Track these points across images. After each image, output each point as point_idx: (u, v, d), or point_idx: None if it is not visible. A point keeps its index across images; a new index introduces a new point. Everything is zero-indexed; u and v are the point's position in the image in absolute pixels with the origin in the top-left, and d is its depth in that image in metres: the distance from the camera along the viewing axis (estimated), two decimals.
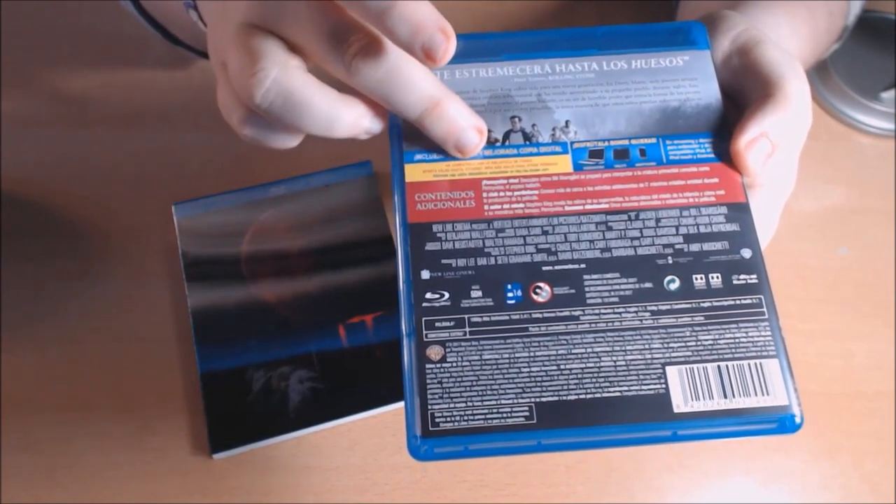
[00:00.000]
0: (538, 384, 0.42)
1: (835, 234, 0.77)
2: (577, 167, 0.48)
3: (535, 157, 0.48)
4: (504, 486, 0.66)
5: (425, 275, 0.44)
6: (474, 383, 0.42)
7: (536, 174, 0.47)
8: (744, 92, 0.51)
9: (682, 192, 0.47)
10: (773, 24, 0.57)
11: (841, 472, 0.67)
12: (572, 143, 0.49)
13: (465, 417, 0.41)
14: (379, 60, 0.43)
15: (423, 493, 0.66)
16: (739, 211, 0.47)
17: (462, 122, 0.46)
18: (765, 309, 0.44)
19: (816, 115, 0.82)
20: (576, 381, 0.42)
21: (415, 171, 0.47)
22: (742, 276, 0.45)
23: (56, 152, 0.78)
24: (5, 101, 0.80)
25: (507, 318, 0.43)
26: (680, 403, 0.42)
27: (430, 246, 0.45)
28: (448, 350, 0.43)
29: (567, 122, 0.49)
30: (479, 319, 0.43)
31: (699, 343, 0.43)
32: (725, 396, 0.42)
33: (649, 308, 0.44)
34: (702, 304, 0.44)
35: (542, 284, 0.44)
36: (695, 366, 0.43)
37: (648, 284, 0.44)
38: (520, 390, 0.42)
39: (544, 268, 0.45)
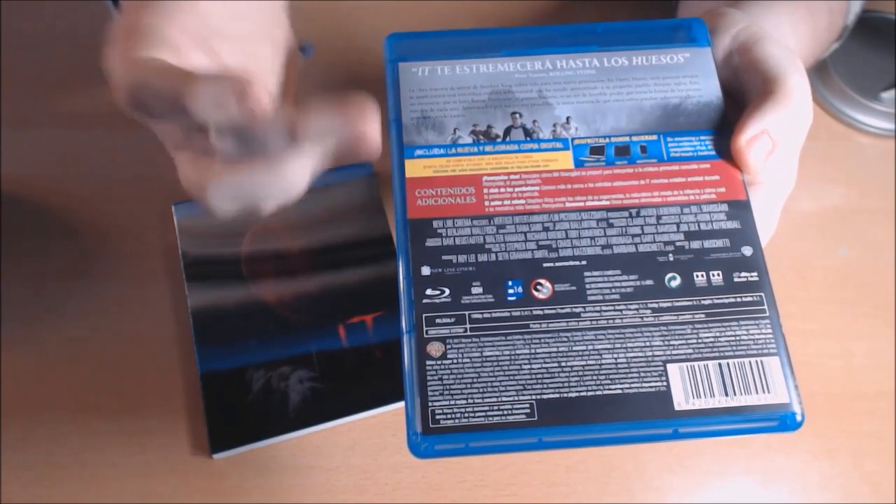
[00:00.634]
0: (539, 381, 0.42)
1: (835, 234, 0.77)
2: (578, 163, 0.48)
3: (536, 154, 0.48)
4: (504, 486, 0.66)
5: (426, 271, 0.44)
6: (475, 380, 0.42)
7: (537, 170, 0.47)
8: (744, 89, 0.51)
9: (682, 189, 0.47)
10: (773, 22, 0.57)
11: (841, 472, 0.67)
12: (573, 139, 0.49)
13: (466, 414, 0.41)
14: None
15: (424, 493, 0.65)
16: (740, 208, 0.47)
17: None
18: (765, 306, 0.44)
19: (816, 115, 0.82)
20: (577, 379, 0.42)
21: (415, 167, 0.47)
22: (743, 274, 0.45)
23: (56, 152, 0.78)
24: (5, 102, 0.80)
25: (507, 314, 0.43)
26: (681, 401, 0.42)
27: (430, 242, 0.45)
28: (448, 347, 0.42)
29: (568, 118, 0.49)
30: (479, 316, 0.43)
31: (700, 340, 0.43)
32: (726, 394, 0.42)
33: (650, 305, 0.44)
34: (703, 302, 0.44)
35: (542, 281, 0.44)
36: (696, 363, 0.43)
37: (649, 281, 0.44)
38: (521, 387, 0.42)
39: (545, 264, 0.45)
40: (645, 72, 0.51)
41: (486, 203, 0.46)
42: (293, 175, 0.41)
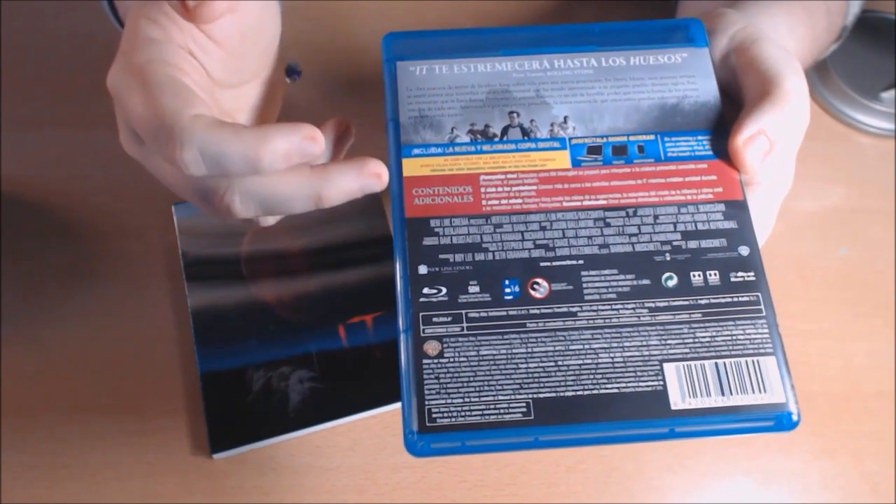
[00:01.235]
0: (535, 380, 0.42)
1: (835, 234, 0.77)
2: (576, 163, 0.48)
3: (534, 153, 0.48)
4: (504, 486, 0.66)
5: (422, 270, 0.44)
6: (471, 379, 0.42)
7: (534, 170, 0.48)
8: (742, 89, 0.51)
9: (679, 189, 0.47)
10: (770, 23, 0.57)
11: (841, 472, 0.67)
12: (571, 138, 0.49)
13: (462, 413, 0.41)
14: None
15: (423, 493, 0.65)
16: (737, 208, 0.47)
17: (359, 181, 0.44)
18: (762, 306, 0.44)
19: (816, 115, 0.82)
20: (573, 378, 0.42)
21: (412, 166, 0.48)
22: (740, 274, 0.45)
23: (56, 153, 0.78)
24: (5, 102, 0.80)
25: (504, 313, 0.43)
26: (677, 400, 0.42)
27: (427, 241, 0.45)
28: (445, 345, 0.43)
29: (565, 117, 0.49)
30: (476, 315, 0.43)
31: (697, 340, 0.43)
32: (723, 393, 0.42)
33: (647, 305, 0.44)
34: (699, 301, 0.44)
35: (539, 280, 0.44)
36: (692, 363, 0.43)
37: (646, 281, 0.44)
38: (517, 386, 0.42)
39: (542, 264, 0.45)
40: (643, 72, 0.51)
41: (484, 202, 0.46)
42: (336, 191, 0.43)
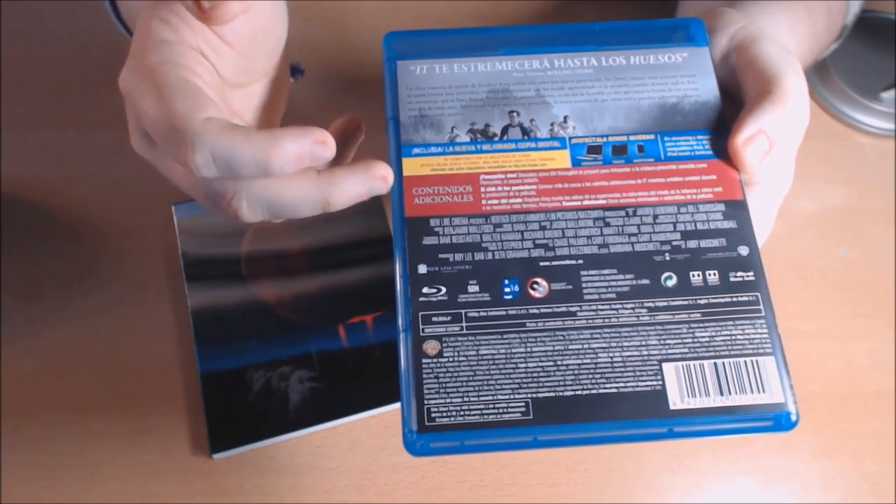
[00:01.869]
0: (535, 380, 0.42)
1: (835, 234, 0.77)
2: (576, 163, 0.48)
3: (534, 152, 0.48)
4: (504, 486, 0.66)
5: (422, 269, 0.44)
6: (471, 378, 0.42)
7: (534, 169, 0.48)
8: (742, 89, 0.51)
9: (679, 188, 0.47)
10: (771, 22, 0.57)
11: (841, 472, 0.67)
12: (571, 138, 0.49)
13: (462, 412, 0.41)
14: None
15: (423, 493, 0.65)
16: (737, 208, 0.47)
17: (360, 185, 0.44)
18: (761, 306, 0.44)
19: (816, 115, 0.82)
20: (572, 378, 0.42)
21: (412, 165, 0.48)
22: (739, 274, 0.45)
23: (56, 153, 0.78)
24: (5, 102, 0.80)
25: (504, 313, 0.43)
26: (676, 400, 0.42)
27: (427, 240, 0.45)
28: (445, 345, 0.43)
29: (565, 117, 0.49)
30: (476, 314, 0.43)
31: (696, 340, 0.43)
32: (722, 393, 0.42)
33: (646, 304, 0.44)
34: (699, 301, 0.44)
35: (539, 280, 0.44)
36: (691, 363, 0.43)
37: (645, 281, 0.44)
38: (516, 386, 0.42)
39: (541, 263, 0.45)
40: (643, 71, 0.51)
41: (484, 202, 0.46)
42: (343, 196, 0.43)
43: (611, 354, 0.43)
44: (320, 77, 0.81)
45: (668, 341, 0.43)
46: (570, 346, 0.43)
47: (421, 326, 0.43)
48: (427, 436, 0.41)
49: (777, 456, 0.68)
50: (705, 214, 0.46)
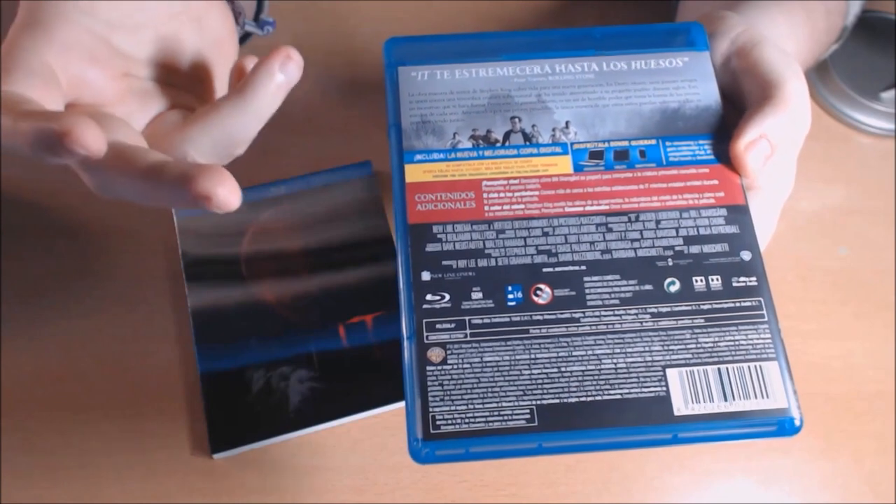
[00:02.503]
0: (539, 387, 0.42)
1: (835, 234, 0.77)
2: (578, 168, 0.48)
3: (536, 158, 0.48)
4: (504, 486, 0.66)
5: (426, 276, 0.44)
6: (475, 385, 0.42)
7: (536, 175, 0.48)
8: (743, 93, 0.51)
9: (681, 193, 0.47)
10: (770, 25, 0.57)
11: (841, 472, 0.67)
12: (572, 143, 0.49)
13: (466, 420, 0.41)
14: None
15: (423, 493, 0.65)
16: (739, 213, 0.47)
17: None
18: (764, 311, 0.44)
19: (816, 116, 0.82)
20: (576, 384, 0.42)
21: (415, 172, 0.48)
22: (742, 279, 0.45)
23: None
24: None
25: (507, 319, 0.43)
26: (680, 406, 0.42)
27: (430, 247, 0.45)
28: (449, 352, 0.43)
29: (567, 122, 0.49)
30: (479, 321, 0.43)
31: (699, 345, 0.43)
32: (725, 399, 0.42)
33: (649, 310, 0.44)
34: (702, 307, 0.44)
35: (542, 286, 0.44)
36: (695, 368, 0.43)
37: (648, 286, 0.45)
38: (521, 393, 0.42)
39: (545, 269, 0.45)
40: (644, 76, 0.51)
41: (486, 208, 0.46)
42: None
43: (615, 360, 0.43)
44: (320, 77, 0.81)
45: (671, 347, 0.43)
46: (574, 353, 0.43)
47: (425, 334, 0.43)
48: (432, 444, 0.41)
49: (777, 456, 0.68)
50: (707, 219, 0.46)
